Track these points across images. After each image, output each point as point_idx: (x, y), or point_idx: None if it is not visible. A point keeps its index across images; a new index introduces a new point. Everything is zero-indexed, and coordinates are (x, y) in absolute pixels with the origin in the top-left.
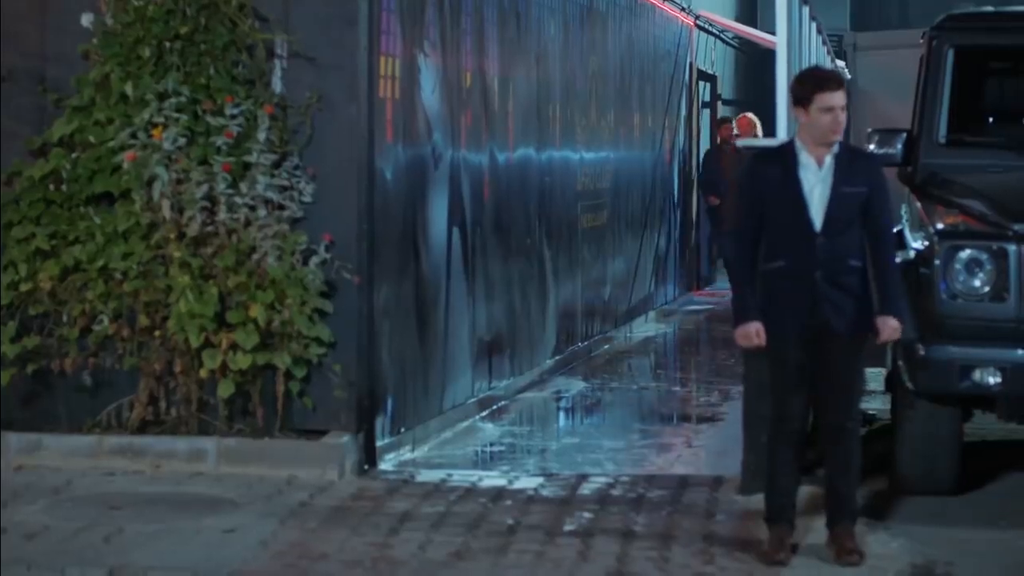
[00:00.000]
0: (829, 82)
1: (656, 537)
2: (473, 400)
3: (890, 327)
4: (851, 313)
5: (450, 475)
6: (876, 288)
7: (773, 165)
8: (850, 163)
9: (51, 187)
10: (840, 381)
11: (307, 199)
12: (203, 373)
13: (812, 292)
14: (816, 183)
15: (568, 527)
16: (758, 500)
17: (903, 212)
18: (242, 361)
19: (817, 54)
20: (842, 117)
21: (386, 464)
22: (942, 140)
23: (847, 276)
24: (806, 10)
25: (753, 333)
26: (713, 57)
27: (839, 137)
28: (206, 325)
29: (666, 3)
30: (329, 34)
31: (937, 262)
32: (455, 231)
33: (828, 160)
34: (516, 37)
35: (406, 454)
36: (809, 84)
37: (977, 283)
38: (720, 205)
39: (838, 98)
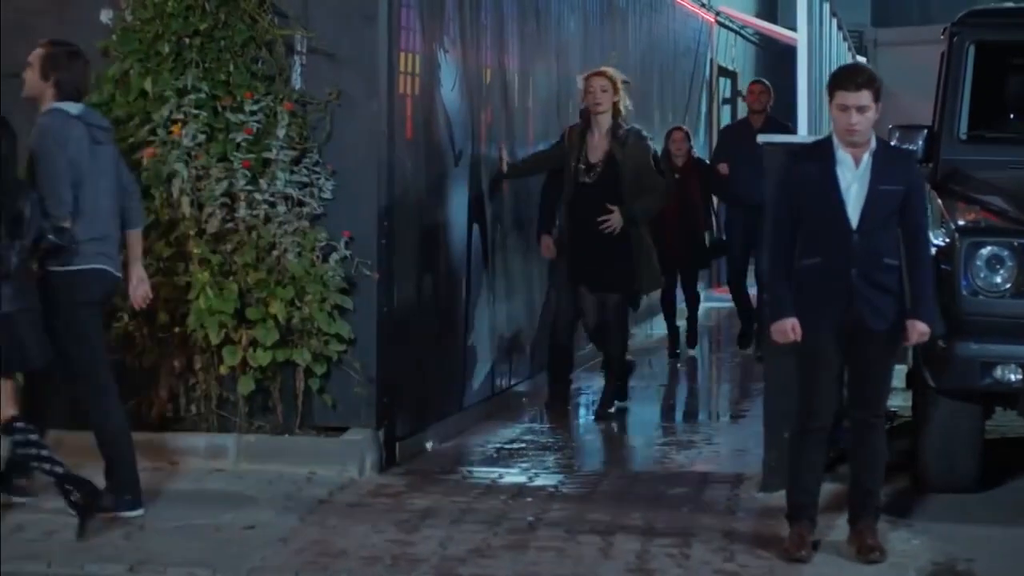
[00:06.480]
0: (847, 81)
1: (677, 534)
2: (493, 397)
3: (918, 331)
4: (886, 311)
5: (470, 472)
6: (909, 288)
7: (810, 162)
8: (888, 162)
9: None
10: (871, 378)
11: (327, 196)
12: (223, 370)
13: (848, 289)
14: (853, 181)
15: (589, 524)
16: (779, 497)
17: None
18: (262, 358)
19: (838, 50)
20: (857, 118)
21: (406, 461)
22: (963, 136)
23: (883, 274)
24: (827, 6)
25: (789, 329)
26: (733, 53)
27: (856, 138)
28: (226, 322)
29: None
30: (349, 30)
31: (958, 259)
32: (475, 227)
33: (865, 158)
34: (536, 33)
35: (426, 451)
36: (832, 81)
37: (998, 280)
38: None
39: (853, 98)
